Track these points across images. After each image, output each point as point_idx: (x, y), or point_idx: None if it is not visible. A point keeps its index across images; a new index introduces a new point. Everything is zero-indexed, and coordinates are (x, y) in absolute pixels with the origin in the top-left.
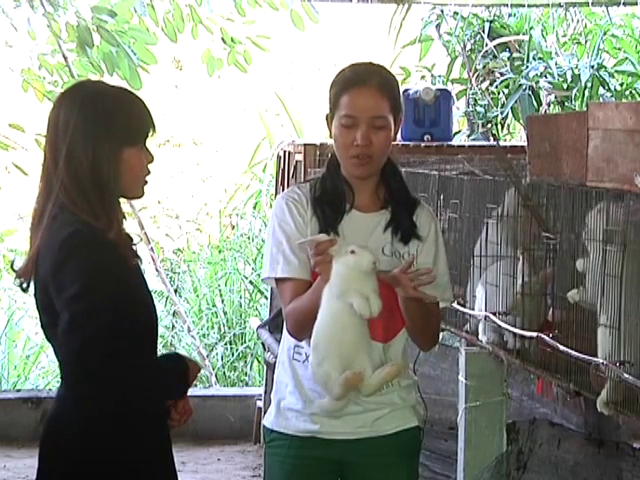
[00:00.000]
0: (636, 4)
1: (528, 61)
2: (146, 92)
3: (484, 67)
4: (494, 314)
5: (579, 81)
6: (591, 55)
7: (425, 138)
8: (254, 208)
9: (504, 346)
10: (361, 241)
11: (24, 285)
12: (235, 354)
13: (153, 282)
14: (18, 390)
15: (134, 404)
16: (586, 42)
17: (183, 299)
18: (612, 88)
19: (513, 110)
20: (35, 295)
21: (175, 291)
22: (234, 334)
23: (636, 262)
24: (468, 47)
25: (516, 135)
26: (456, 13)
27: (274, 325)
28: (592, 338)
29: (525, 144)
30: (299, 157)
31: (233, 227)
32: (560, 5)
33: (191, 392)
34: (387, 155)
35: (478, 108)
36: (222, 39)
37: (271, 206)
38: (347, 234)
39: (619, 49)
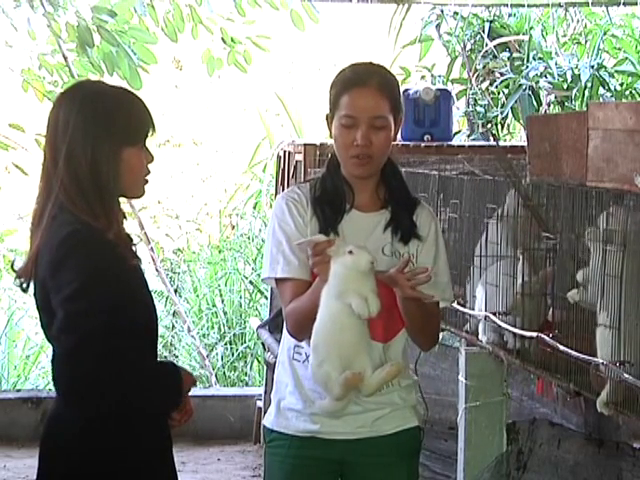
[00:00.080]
0: (636, 4)
1: (528, 61)
2: (146, 92)
3: (484, 67)
4: (494, 314)
5: (579, 81)
6: (591, 55)
7: (425, 138)
8: (254, 208)
9: (504, 346)
10: (361, 241)
11: (24, 285)
12: (235, 354)
13: (153, 282)
14: (18, 390)
15: (133, 404)
16: (586, 42)
17: (183, 299)
18: (612, 88)
19: (513, 110)
20: (35, 295)
21: (175, 291)
22: (234, 334)
23: (636, 262)
24: (468, 47)
25: (516, 135)
26: (456, 13)
27: (274, 325)
28: (592, 338)
29: (525, 144)
30: (299, 157)
31: (233, 227)
32: (560, 5)
33: (191, 392)
34: (387, 155)
35: (478, 108)
36: (222, 39)
37: (271, 206)
38: (347, 234)
39: (619, 49)
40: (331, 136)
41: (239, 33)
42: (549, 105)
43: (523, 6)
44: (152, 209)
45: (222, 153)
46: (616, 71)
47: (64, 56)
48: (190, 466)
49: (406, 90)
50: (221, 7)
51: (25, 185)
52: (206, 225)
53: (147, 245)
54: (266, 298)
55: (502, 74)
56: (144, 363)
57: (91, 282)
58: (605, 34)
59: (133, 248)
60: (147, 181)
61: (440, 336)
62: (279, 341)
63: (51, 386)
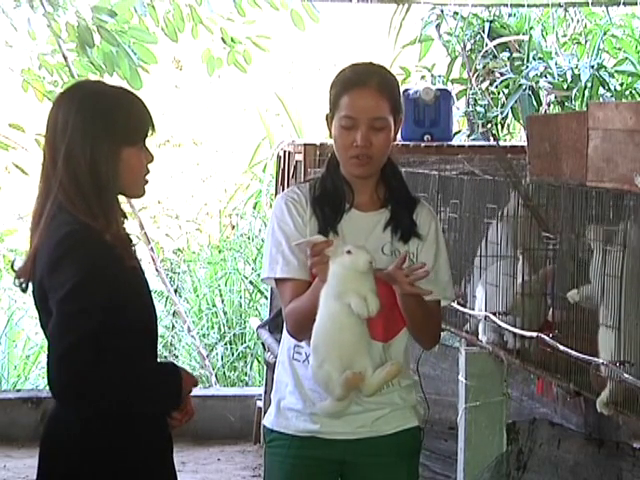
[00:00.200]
0: (636, 4)
1: (528, 61)
2: (146, 92)
3: (484, 67)
4: (494, 314)
5: (579, 81)
6: (591, 55)
7: (425, 138)
8: (254, 208)
9: (504, 346)
10: (361, 240)
11: (23, 285)
12: (235, 354)
13: (153, 282)
14: (18, 390)
15: (132, 405)
16: (586, 42)
17: (183, 299)
18: (612, 88)
19: (513, 110)
20: (33, 295)
21: (175, 291)
22: (234, 334)
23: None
24: (468, 47)
25: (516, 135)
26: (456, 13)
27: (274, 325)
28: (592, 338)
29: (525, 144)
30: (299, 157)
31: (233, 227)
32: (560, 5)
33: (191, 392)
34: (387, 155)
35: (478, 108)
36: (222, 39)
37: (271, 206)
38: (347, 233)
39: (619, 49)
40: (331, 136)
41: (239, 33)
42: (549, 105)
43: (523, 6)
44: (152, 209)
45: (222, 153)
46: (616, 71)
47: (64, 56)
48: (190, 466)
49: (406, 90)
50: (221, 7)
51: (25, 185)
52: (206, 225)
53: (147, 245)
54: (266, 298)
55: (502, 74)
56: (143, 363)
57: (87, 282)
58: (605, 34)
59: (132, 249)
60: (147, 181)
61: (441, 335)
62: (279, 341)
63: None
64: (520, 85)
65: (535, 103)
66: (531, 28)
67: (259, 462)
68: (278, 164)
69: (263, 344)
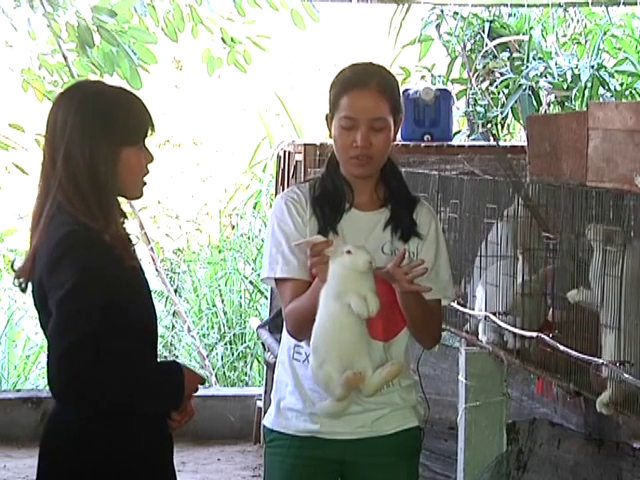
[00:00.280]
0: (636, 4)
1: (528, 61)
2: (146, 92)
3: (484, 67)
4: (494, 314)
5: (579, 81)
6: (591, 55)
7: (425, 138)
8: (254, 208)
9: (504, 346)
10: (361, 240)
11: (23, 285)
12: (235, 354)
13: (153, 282)
14: (18, 390)
15: (131, 405)
16: (586, 42)
17: (183, 299)
18: (612, 88)
19: (513, 110)
20: (33, 295)
21: (175, 291)
22: (234, 334)
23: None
24: (468, 47)
25: (516, 135)
26: (456, 13)
27: (274, 325)
28: (592, 338)
29: (525, 144)
30: (299, 157)
31: (233, 227)
32: (560, 5)
33: None
34: (387, 155)
35: (478, 108)
36: (222, 39)
37: (271, 206)
38: (346, 233)
39: (619, 49)
40: (331, 136)
41: (239, 33)
42: (549, 105)
43: (523, 6)
44: (152, 209)
45: (222, 153)
46: (616, 71)
47: (64, 56)
48: (190, 466)
49: (406, 90)
50: (221, 7)
51: (25, 185)
52: (206, 225)
53: (147, 245)
54: (266, 298)
55: (502, 74)
56: (143, 363)
57: (86, 282)
58: (605, 34)
59: (131, 249)
60: (145, 182)
61: (441, 335)
62: (279, 341)
63: None
64: (520, 85)
65: (535, 103)
66: (531, 28)
67: (259, 462)
68: (278, 164)
69: (263, 344)
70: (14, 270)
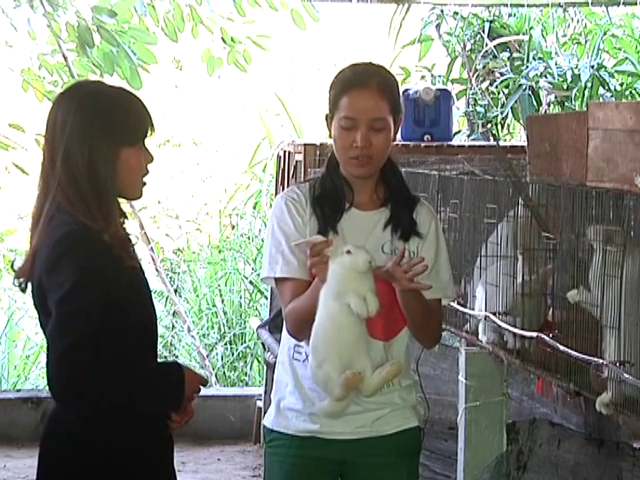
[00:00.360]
0: (636, 4)
1: (528, 61)
2: (146, 92)
3: (484, 67)
4: (494, 314)
5: (579, 81)
6: (591, 55)
7: (425, 138)
8: (254, 208)
9: (504, 346)
10: (361, 239)
11: (22, 285)
12: (235, 354)
13: (153, 282)
14: (18, 390)
15: (131, 405)
16: (586, 42)
17: (183, 299)
18: (612, 88)
19: (513, 110)
20: (32, 295)
21: (175, 291)
22: (234, 334)
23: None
24: (468, 47)
25: (516, 135)
26: (456, 13)
27: (274, 325)
28: (592, 338)
29: (525, 144)
30: (299, 157)
31: (233, 227)
32: (560, 5)
33: None
34: (387, 155)
35: (478, 108)
36: (222, 39)
37: (271, 206)
38: (346, 233)
39: (619, 49)
40: (331, 136)
41: (239, 33)
42: (549, 105)
43: (523, 6)
44: (152, 209)
45: (222, 153)
46: (616, 71)
47: (64, 56)
48: (190, 466)
49: (406, 90)
50: (221, 7)
51: (25, 185)
52: (206, 225)
53: (147, 245)
54: (266, 298)
55: (502, 74)
56: (143, 364)
57: (86, 282)
58: (605, 34)
59: (131, 249)
60: (145, 183)
61: (441, 335)
62: (279, 341)
63: None
64: (520, 85)
65: (535, 103)
66: (531, 28)
67: (259, 462)
68: (278, 164)
69: (263, 344)
70: (14, 270)
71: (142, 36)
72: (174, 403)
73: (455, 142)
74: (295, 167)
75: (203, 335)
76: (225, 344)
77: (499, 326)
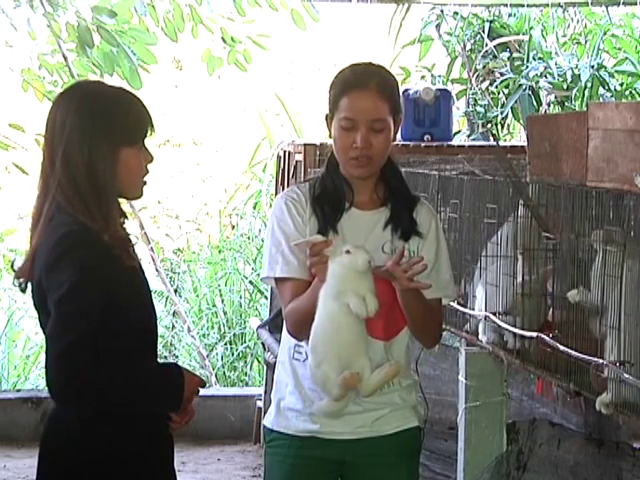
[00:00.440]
0: (636, 4)
1: (528, 61)
2: (146, 92)
3: (484, 67)
4: (494, 314)
5: (579, 81)
6: (591, 55)
7: (425, 138)
8: (254, 208)
9: (504, 346)
10: (361, 239)
11: (22, 285)
12: (235, 354)
13: (153, 282)
14: (18, 390)
15: (131, 405)
16: (586, 42)
17: (183, 299)
18: (612, 88)
19: (513, 110)
20: (32, 295)
21: (175, 291)
22: (234, 334)
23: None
24: (468, 47)
25: (516, 135)
26: (456, 13)
27: (274, 325)
28: (592, 338)
29: (525, 144)
30: (299, 157)
31: (233, 227)
32: (560, 5)
33: None
34: (387, 156)
35: (478, 108)
36: (222, 38)
37: (271, 206)
38: (346, 232)
39: (619, 49)
40: (331, 136)
41: (239, 32)
42: (549, 105)
43: (523, 6)
44: (152, 209)
45: (222, 153)
46: (616, 71)
47: (64, 56)
48: (190, 466)
49: (406, 90)
50: (221, 7)
51: (25, 185)
52: (206, 225)
53: (147, 245)
54: (266, 298)
55: (502, 74)
56: (143, 364)
57: (85, 282)
58: (605, 34)
59: (131, 249)
60: (145, 182)
61: (442, 334)
62: (279, 341)
63: None
64: (520, 85)
65: (535, 103)
66: (531, 28)
67: (259, 462)
68: (278, 164)
69: (263, 344)
70: (14, 270)
71: (142, 36)
72: (173, 404)
73: (455, 142)
74: (295, 167)
75: (203, 335)
76: (225, 344)
77: (499, 326)
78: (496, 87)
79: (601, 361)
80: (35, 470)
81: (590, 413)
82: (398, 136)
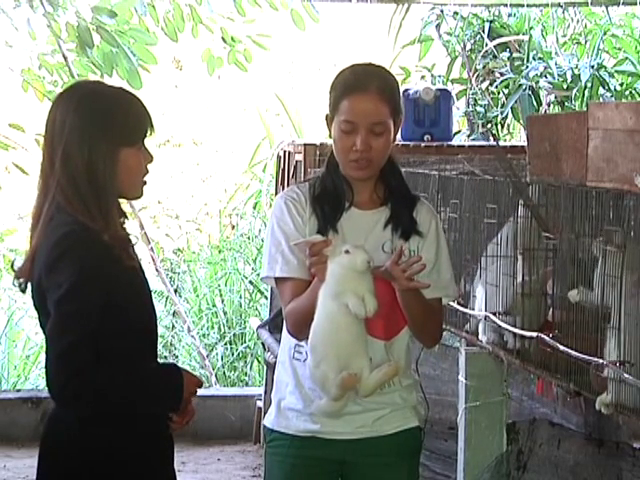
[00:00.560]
0: (636, 4)
1: (528, 61)
2: (146, 92)
3: (484, 67)
4: (494, 314)
5: (579, 81)
6: (591, 55)
7: (425, 138)
8: (254, 208)
9: (504, 346)
10: (361, 239)
11: (22, 285)
12: (235, 354)
13: (153, 282)
14: (18, 390)
15: (131, 405)
16: (586, 42)
17: (183, 299)
18: (612, 88)
19: (513, 110)
20: (32, 295)
21: (175, 291)
22: (234, 334)
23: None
24: (468, 47)
25: (516, 135)
26: (456, 13)
27: (274, 325)
28: (592, 338)
29: (525, 144)
30: (299, 157)
31: (233, 227)
32: (560, 5)
33: None
34: (387, 157)
35: (478, 108)
36: (222, 38)
37: (271, 206)
38: (346, 232)
39: (619, 49)
40: (331, 136)
41: (239, 32)
42: (549, 105)
43: (523, 6)
44: (152, 209)
45: (222, 153)
46: (616, 71)
47: (64, 56)
48: (190, 466)
49: (406, 90)
50: (221, 7)
51: (25, 185)
52: (206, 225)
53: (147, 245)
54: (266, 298)
55: (502, 74)
56: (143, 364)
57: (85, 283)
58: (605, 34)
59: (130, 249)
60: (145, 182)
61: (442, 334)
62: (279, 341)
63: None
64: (520, 85)
65: (535, 103)
66: (531, 28)
67: (259, 462)
68: (278, 164)
69: (263, 344)
70: (14, 270)
71: (142, 36)
72: (173, 404)
73: (455, 142)
74: (295, 167)
75: (203, 335)
76: (225, 344)
77: (499, 326)
78: (496, 87)
79: (601, 361)
80: (35, 470)
81: (590, 413)
82: (398, 136)
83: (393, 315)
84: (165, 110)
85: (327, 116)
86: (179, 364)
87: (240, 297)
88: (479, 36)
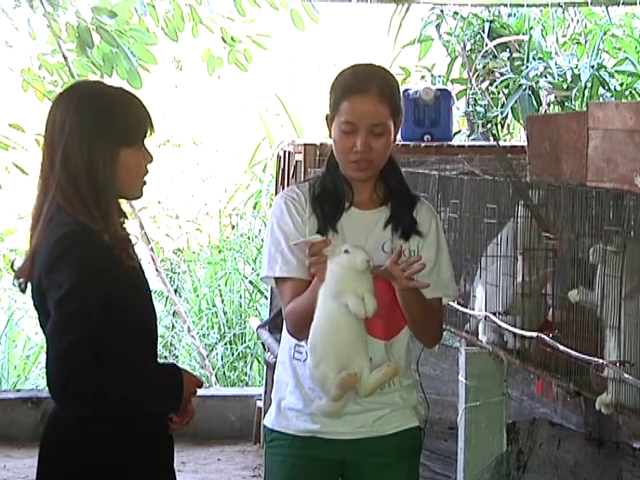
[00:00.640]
0: (636, 4)
1: (528, 61)
2: (146, 92)
3: (484, 67)
4: (494, 314)
5: (579, 81)
6: (591, 55)
7: (425, 138)
8: (254, 208)
9: (504, 346)
10: (361, 239)
11: (22, 285)
12: (235, 354)
13: (153, 282)
14: (18, 390)
15: (131, 405)
16: (586, 42)
17: (183, 299)
18: (612, 88)
19: (513, 110)
20: (32, 295)
21: (175, 291)
22: (234, 334)
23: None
24: (468, 47)
25: (516, 135)
26: (456, 13)
27: (274, 325)
28: (592, 338)
29: (525, 144)
30: (299, 157)
31: (233, 227)
32: (560, 5)
33: None
34: (387, 158)
35: (478, 108)
36: (222, 38)
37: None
38: (346, 232)
39: (619, 49)
40: (331, 136)
41: (239, 32)
42: (549, 105)
43: (523, 6)
44: (152, 209)
45: (222, 153)
46: (616, 71)
47: (64, 56)
48: (190, 466)
49: (406, 90)
50: (221, 7)
51: (25, 185)
52: (206, 225)
53: (147, 245)
54: (266, 298)
55: (502, 74)
56: (143, 364)
57: (85, 283)
58: (605, 34)
59: (130, 250)
60: (145, 182)
61: (442, 334)
62: (279, 341)
63: None
64: (520, 85)
65: (535, 103)
66: (531, 28)
67: (259, 462)
68: (278, 164)
69: (263, 344)
70: (14, 270)
71: (142, 36)
72: (173, 404)
73: (455, 142)
74: (295, 167)
75: (203, 335)
76: (225, 344)
77: (499, 326)
78: (496, 87)
79: (601, 361)
80: (35, 470)
81: (590, 413)
82: (398, 136)
83: (393, 315)
84: (165, 110)
85: (327, 116)
86: (179, 364)
87: (240, 297)
88: (479, 36)
